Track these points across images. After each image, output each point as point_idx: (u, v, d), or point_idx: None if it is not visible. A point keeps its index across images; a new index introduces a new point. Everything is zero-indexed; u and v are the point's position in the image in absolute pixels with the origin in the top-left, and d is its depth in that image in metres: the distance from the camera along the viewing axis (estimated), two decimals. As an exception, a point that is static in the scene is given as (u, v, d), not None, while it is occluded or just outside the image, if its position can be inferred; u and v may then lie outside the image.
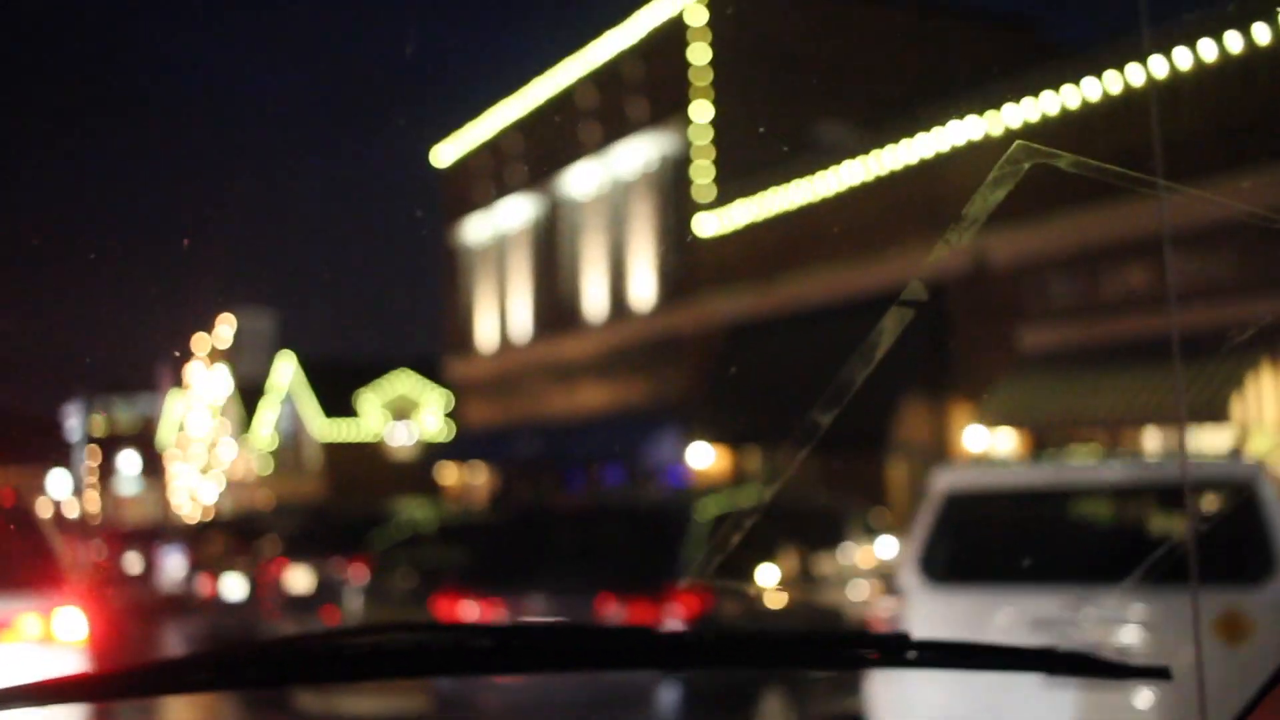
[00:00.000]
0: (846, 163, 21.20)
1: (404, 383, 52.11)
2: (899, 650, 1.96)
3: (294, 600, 16.97)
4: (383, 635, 1.93)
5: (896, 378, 18.85)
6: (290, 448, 53.01)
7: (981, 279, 18.34)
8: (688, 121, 24.93)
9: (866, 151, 20.76)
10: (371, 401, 51.56)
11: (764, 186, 23.00)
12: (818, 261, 21.97)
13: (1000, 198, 2.19)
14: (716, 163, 24.70)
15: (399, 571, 16.59)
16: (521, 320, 32.48)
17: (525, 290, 32.47)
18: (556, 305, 30.53)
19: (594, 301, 28.95)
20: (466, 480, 35.01)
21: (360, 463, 51.31)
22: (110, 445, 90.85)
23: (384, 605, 15.83)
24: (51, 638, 8.49)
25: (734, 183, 24.16)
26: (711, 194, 24.65)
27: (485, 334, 34.46)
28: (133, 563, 32.89)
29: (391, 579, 16.59)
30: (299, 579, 17.39)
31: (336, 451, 51.33)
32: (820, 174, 21.74)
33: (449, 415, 37.05)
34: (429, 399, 52.20)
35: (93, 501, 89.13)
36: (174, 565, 29.66)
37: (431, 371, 52.37)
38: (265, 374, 56.81)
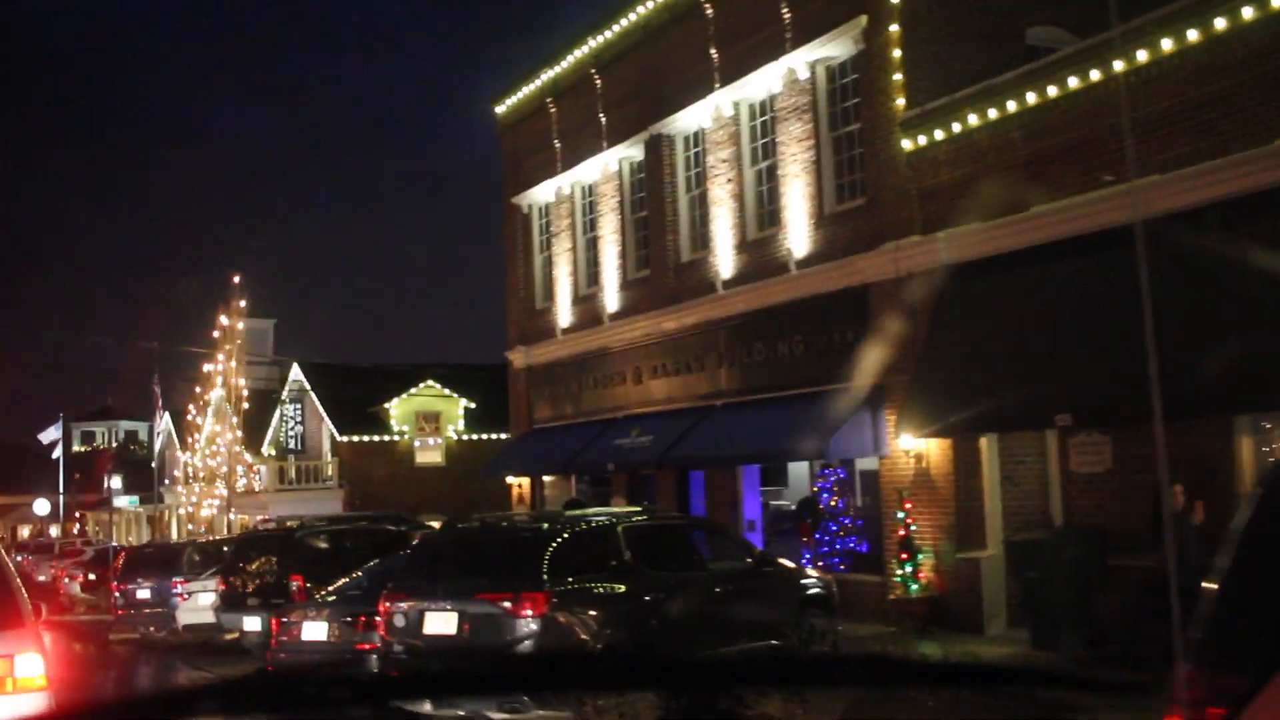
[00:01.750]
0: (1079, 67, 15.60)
1: (429, 394, 46.33)
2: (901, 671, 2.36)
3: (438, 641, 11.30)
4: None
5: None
6: (306, 459, 47.05)
7: None
8: (868, 23, 19.29)
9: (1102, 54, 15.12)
10: (394, 413, 45.78)
11: (970, 102, 17.40)
12: (1050, 189, 16.32)
13: None
14: (909, 72, 18.98)
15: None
16: (617, 292, 26.62)
17: (619, 256, 26.63)
18: (669, 269, 24.70)
19: (725, 260, 23.13)
20: (551, 493, 29.04)
21: (387, 475, 45.49)
22: (99, 466, 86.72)
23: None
24: (9, 685, 8.04)
25: (932, 96, 18.49)
26: (901, 111, 18.94)
27: (565, 313, 28.57)
28: (142, 592, 26.82)
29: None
30: (438, 619, 11.64)
31: (358, 463, 45.39)
32: (1046, 81, 16.19)
33: (516, 416, 30.83)
34: (453, 410, 46.49)
35: (83, 524, 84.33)
36: (198, 595, 23.67)
37: (456, 382, 46.87)
38: (275, 384, 52.47)
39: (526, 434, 29.87)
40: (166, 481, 63.88)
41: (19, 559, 66.10)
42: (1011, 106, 17.05)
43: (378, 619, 14.47)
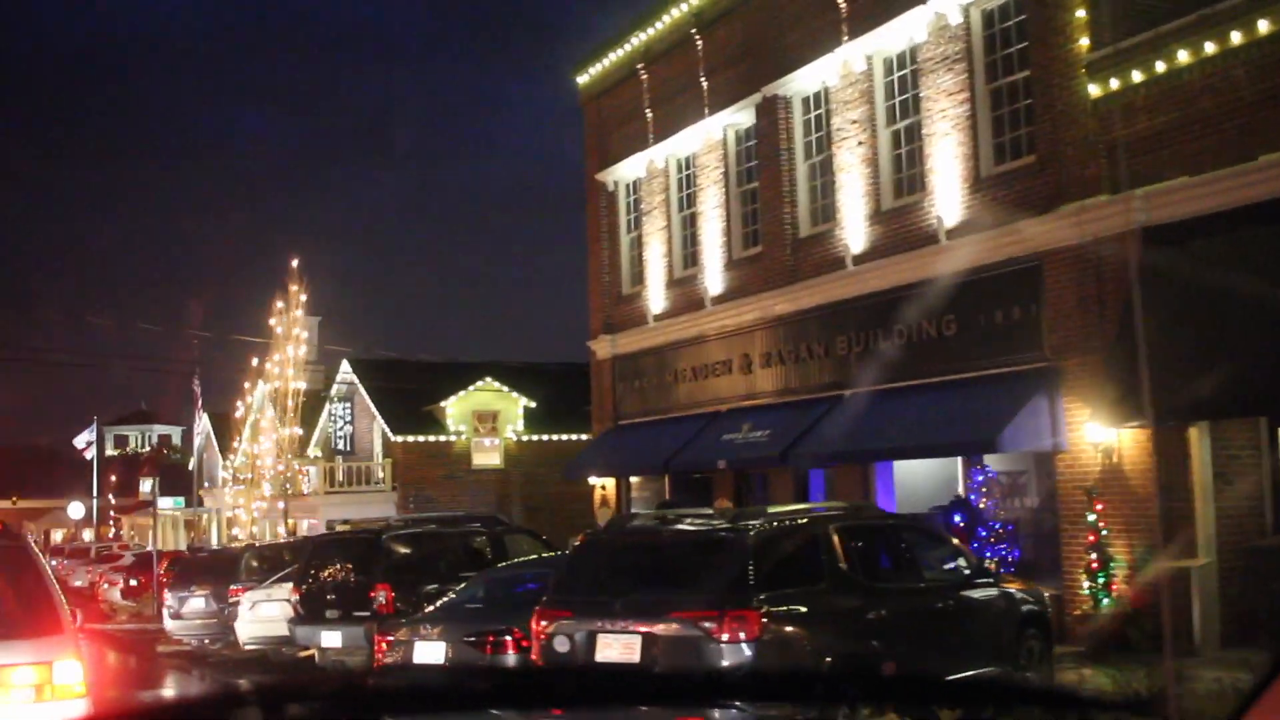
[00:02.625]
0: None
1: (488, 392, 44.00)
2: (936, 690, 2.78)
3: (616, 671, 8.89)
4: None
5: None
6: (355, 460, 44.80)
7: None
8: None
9: None
10: (451, 412, 43.48)
11: (1180, 36, 14.93)
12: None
13: None
14: (1093, 7, 16.50)
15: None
16: (721, 273, 24.18)
17: (723, 233, 24.19)
18: (784, 245, 22.25)
19: (855, 232, 20.68)
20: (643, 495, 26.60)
21: (443, 477, 43.19)
22: (136, 470, 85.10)
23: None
24: (48, 692, 7.95)
25: (1121, 35, 16.02)
26: (1086, 53, 16.46)
27: (657, 298, 26.16)
28: (195, 601, 24.51)
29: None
30: (614, 643, 9.21)
31: (412, 465, 43.08)
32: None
33: (601, 410, 28.43)
34: (513, 410, 44.16)
35: (118, 528, 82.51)
36: (261, 605, 21.34)
37: (516, 380, 44.55)
38: (320, 384, 50.38)
39: (611, 431, 27.44)
40: (206, 484, 61.77)
41: (53, 563, 64.23)
42: (1237, 38, 14.53)
43: (508, 639, 12.09)
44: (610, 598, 10.25)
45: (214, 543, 61.16)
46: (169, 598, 24.93)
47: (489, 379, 43.85)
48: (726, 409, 23.53)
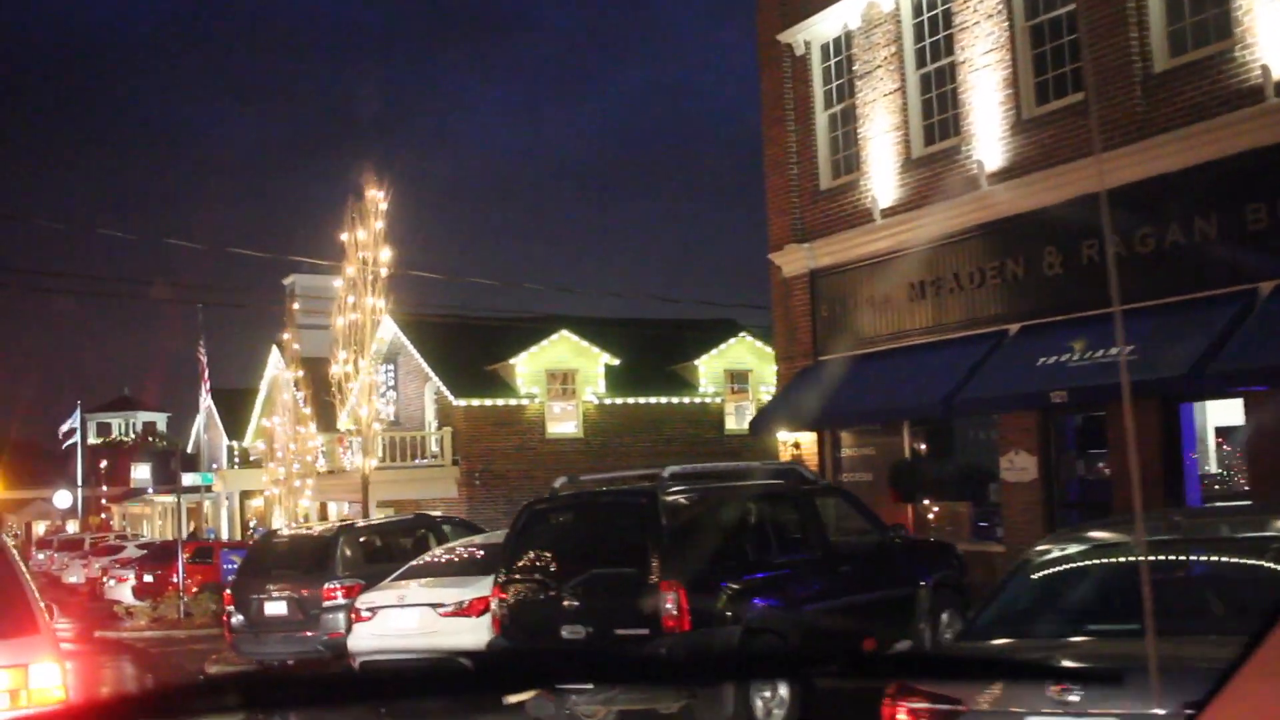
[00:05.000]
0: None
1: (564, 347, 37.19)
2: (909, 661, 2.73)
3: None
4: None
5: None
6: (402, 431, 37.92)
7: None
8: None
9: None
10: (520, 371, 36.66)
11: None
12: None
13: None
14: None
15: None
16: (1004, 138, 17.39)
17: (1007, 82, 17.42)
18: (1132, 83, 15.50)
19: (1274, 50, 13.97)
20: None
21: (513, 449, 36.42)
22: (122, 457, 79.09)
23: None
24: (24, 698, 7.66)
25: None
26: None
27: (886, 186, 19.39)
28: (274, 604, 17.65)
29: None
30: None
31: (476, 434, 36.26)
32: None
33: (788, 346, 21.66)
34: (591, 369, 37.40)
35: (108, 517, 75.93)
36: (388, 613, 14.57)
37: (593, 334, 37.78)
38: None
39: (811, 369, 20.68)
40: (214, 465, 54.71)
41: (41, 557, 56.88)
42: None
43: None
44: None
45: (224, 531, 54.27)
46: (235, 601, 17.98)
47: (566, 331, 37.01)
48: (1018, 328, 16.86)
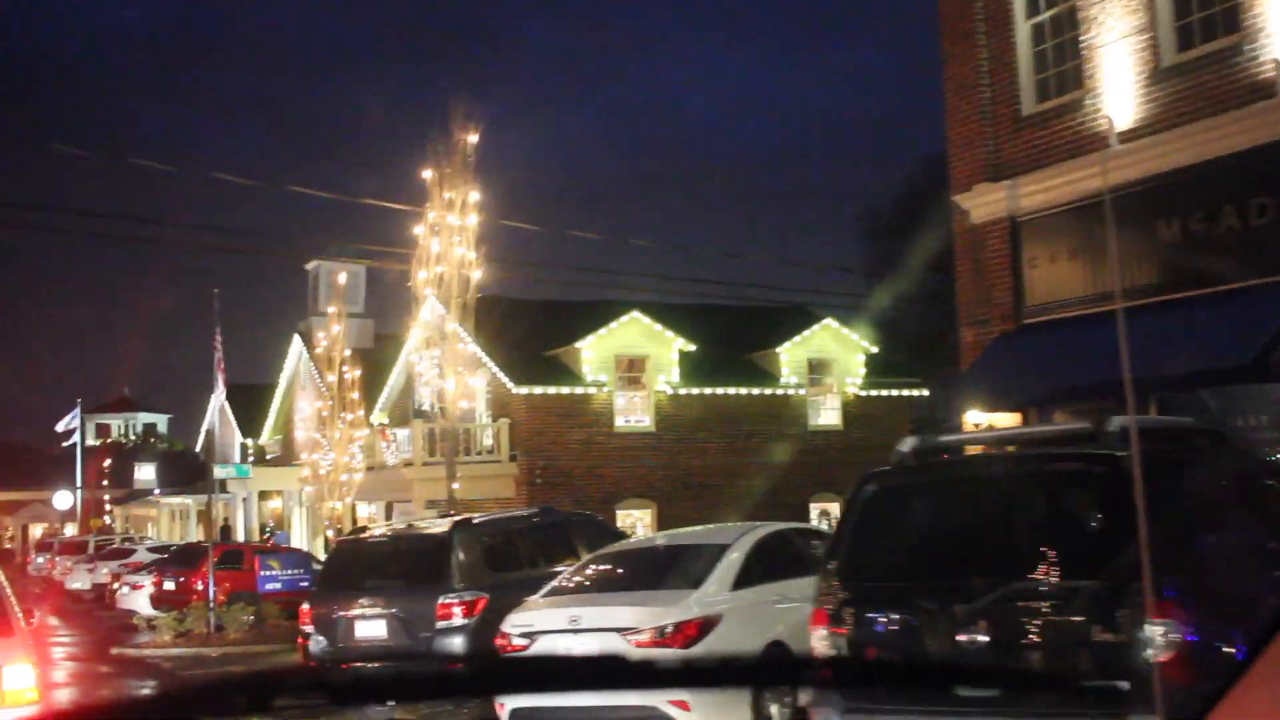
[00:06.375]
0: None
1: (635, 330, 33.34)
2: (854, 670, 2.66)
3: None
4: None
5: None
6: (459, 424, 34.02)
7: None
8: None
9: None
10: (587, 357, 32.84)
11: None
12: None
13: None
14: None
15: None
16: None
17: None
18: None
19: None
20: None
21: (580, 444, 32.58)
22: (125, 458, 75.62)
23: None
24: None
25: None
26: None
27: (1125, 106, 15.51)
28: (367, 625, 13.75)
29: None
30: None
31: (537, 427, 32.41)
32: None
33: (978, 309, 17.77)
34: (665, 355, 33.56)
35: (112, 519, 72.19)
36: (549, 642, 10.67)
37: (666, 317, 33.96)
38: (373, 341, 40.66)
39: (1013, 334, 16.84)
40: (228, 464, 50.66)
41: (40, 560, 52.77)
42: None
43: None
44: None
45: (240, 535, 50.31)
46: (314, 619, 14.03)
47: (637, 313, 33.12)
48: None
